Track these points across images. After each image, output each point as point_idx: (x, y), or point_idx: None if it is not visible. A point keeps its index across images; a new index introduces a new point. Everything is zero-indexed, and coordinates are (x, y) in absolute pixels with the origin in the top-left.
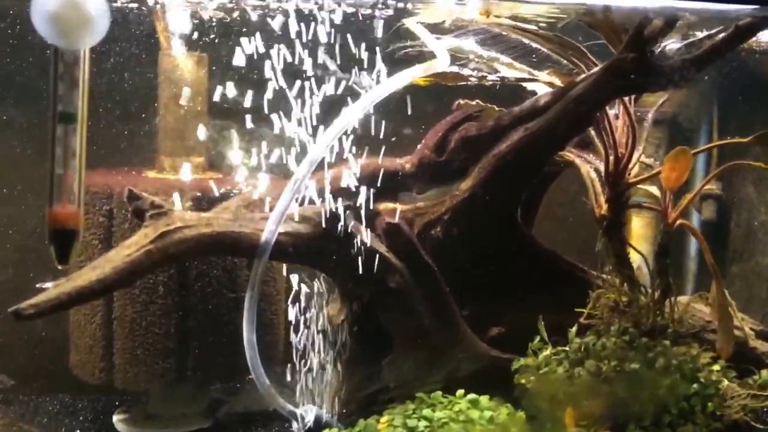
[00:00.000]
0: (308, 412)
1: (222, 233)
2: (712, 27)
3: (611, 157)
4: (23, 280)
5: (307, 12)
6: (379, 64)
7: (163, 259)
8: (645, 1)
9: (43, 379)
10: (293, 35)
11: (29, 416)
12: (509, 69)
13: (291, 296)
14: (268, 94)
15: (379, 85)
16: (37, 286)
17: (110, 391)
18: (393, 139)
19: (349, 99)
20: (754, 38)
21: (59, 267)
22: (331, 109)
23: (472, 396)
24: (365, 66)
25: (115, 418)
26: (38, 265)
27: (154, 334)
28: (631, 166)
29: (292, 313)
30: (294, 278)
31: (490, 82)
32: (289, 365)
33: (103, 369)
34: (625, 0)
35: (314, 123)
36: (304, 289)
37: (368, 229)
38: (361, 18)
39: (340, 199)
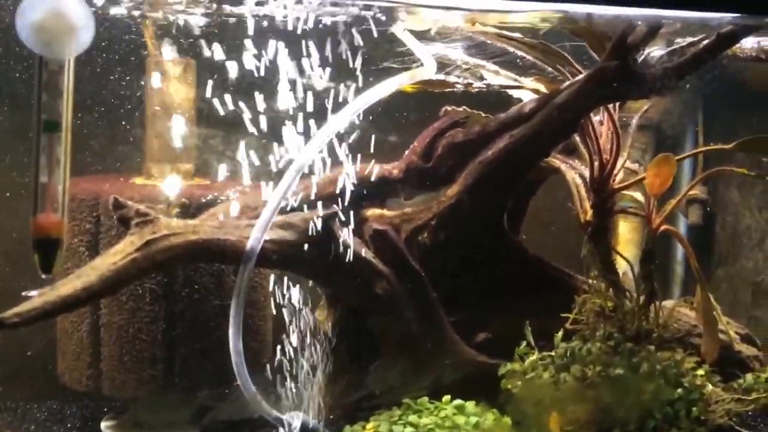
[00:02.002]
0: (294, 419)
1: (208, 241)
2: (695, 34)
3: (596, 164)
4: (8, 287)
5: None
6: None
7: (149, 266)
8: (627, 9)
9: (31, 385)
10: (281, 42)
11: (17, 423)
12: (495, 76)
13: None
14: (256, 101)
15: (367, 92)
16: (23, 294)
17: (98, 397)
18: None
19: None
20: (737, 45)
21: (42, 276)
22: (319, 115)
23: (458, 402)
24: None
25: (103, 425)
26: (25, 273)
27: (141, 340)
28: (615, 172)
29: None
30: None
31: (476, 89)
32: (276, 371)
33: (91, 376)
34: (608, 8)
35: (302, 130)
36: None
37: (355, 235)
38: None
39: (327, 206)
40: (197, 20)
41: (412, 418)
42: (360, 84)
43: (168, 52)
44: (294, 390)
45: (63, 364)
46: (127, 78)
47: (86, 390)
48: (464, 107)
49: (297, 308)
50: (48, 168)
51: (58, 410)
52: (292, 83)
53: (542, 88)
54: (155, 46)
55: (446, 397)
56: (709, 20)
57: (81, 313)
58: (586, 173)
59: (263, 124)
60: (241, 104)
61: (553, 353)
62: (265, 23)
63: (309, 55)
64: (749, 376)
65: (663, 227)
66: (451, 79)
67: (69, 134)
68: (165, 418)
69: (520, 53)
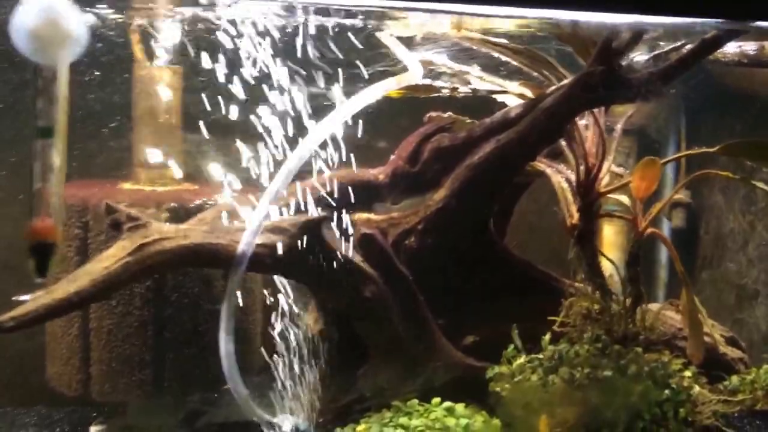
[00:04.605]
0: (285, 422)
1: (200, 245)
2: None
3: (582, 168)
4: None
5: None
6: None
7: (141, 271)
8: (612, 15)
9: (20, 391)
10: (268, 47)
11: (5, 429)
12: (481, 81)
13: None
14: (243, 106)
15: (354, 97)
16: (14, 299)
17: (87, 402)
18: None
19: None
20: (720, 50)
21: (38, 280)
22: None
23: (448, 404)
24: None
25: (92, 429)
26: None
27: (131, 345)
28: (601, 176)
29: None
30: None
31: (462, 94)
32: (266, 375)
33: (80, 381)
34: (593, 15)
35: (290, 135)
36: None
37: (343, 240)
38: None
39: (315, 210)
40: (183, 25)
41: (403, 420)
42: (347, 88)
43: (154, 57)
44: (284, 393)
45: (52, 369)
46: (115, 84)
47: (76, 395)
48: (449, 113)
49: (286, 312)
50: (42, 174)
51: (47, 415)
52: (279, 88)
53: (528, 93)
54: (141, 51)
55: (436, 400)
56: (692, 26)
57: (70, 317)
58: (572, 177)
59: (250, 129)
60: (228, 109)
61: (540, 356)
62: (250, 28)
63: (295, 60)
64: (734, 378)
65: (649, 230)
66: (437, 83)
67: (64, 140)
68: (154, 423)
69: (505, 58)
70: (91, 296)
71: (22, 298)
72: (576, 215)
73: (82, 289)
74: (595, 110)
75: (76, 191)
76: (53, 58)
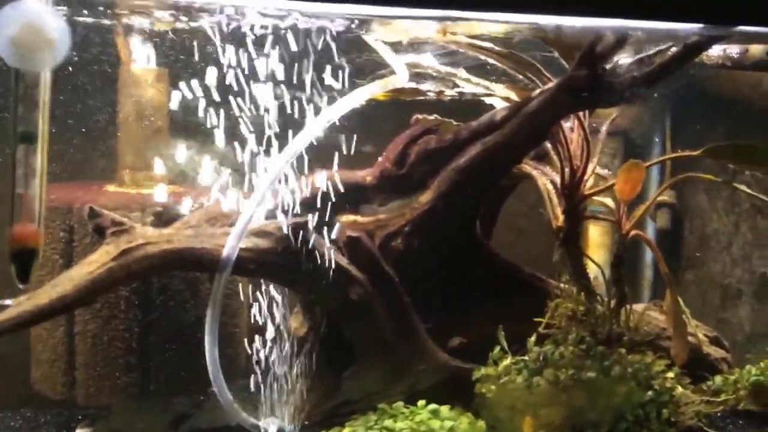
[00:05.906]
0: (270, 425)
1: (184, 249)
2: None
3: (566, 170)
4: None
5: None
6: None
7: (125, 276)
8: (596, 20)
9: (4, 394)
10: (253, 50)
11: None
12: (467, 84)
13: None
14: (229, 110)
15: (340, 101)
16: None
17: (73, 406)
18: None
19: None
20: (704, 54)
21: (20, 286)
22: (294, 123)
23: (432, 406)
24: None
25: None
26: None
27: (116, 348)
28: (586, 178)
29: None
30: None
31: (449, 97)
32: (251, 378)
33: (66, 384)
34: (577, 19)
35: (275, 138)
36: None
37: (329, 242)
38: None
39: (301, 213)
40: (170, 28)
41: (388, 422)
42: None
43: (140, 60)
44: (270, 397)
45: (37, 372)
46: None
47: (61, 398)
48: (435, 116)
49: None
50: (24, 179)
51: (32, 418)
52: (266, 91)
53: (513, 96)
54: (127, 53)
55: (421, 402)
56: (676, 31)
57: (56, 320)
58: (557, 179)
59: (235, 132)
60: (214, 112)
61: (526, 357)
62: (236, 32)
63: (281, 63)
64: (718, 378)
65: (633, 232)
66: (424, 87)
67: (45, 145)
68: (140, 426)
69: (491, 62)
70: (75, 302)
71: (5, 302)
72: (561, 217)
73: (65, 295)
74: (580, 113)
75: (60, 193)
76: (35, 64)
